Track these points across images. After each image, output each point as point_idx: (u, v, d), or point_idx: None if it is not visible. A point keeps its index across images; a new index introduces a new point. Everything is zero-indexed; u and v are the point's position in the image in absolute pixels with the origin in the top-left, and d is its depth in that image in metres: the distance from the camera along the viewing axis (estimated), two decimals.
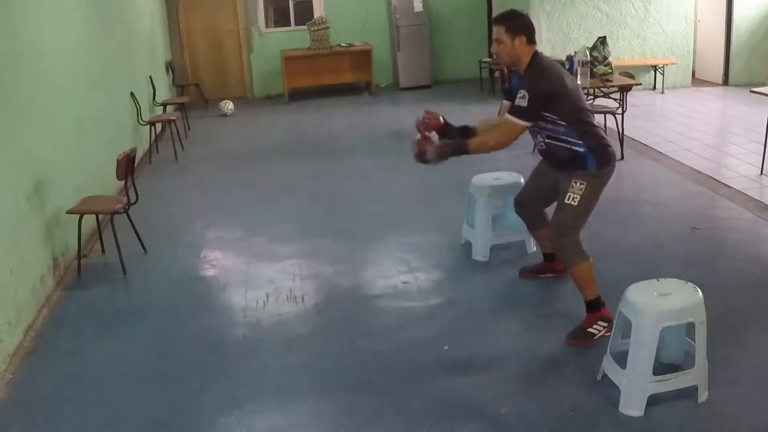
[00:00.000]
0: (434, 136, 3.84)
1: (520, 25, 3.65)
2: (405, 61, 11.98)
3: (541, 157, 4.06)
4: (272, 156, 8.30)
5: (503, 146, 3.70)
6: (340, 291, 4.62)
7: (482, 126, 3.95)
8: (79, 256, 5.01)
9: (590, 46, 7.77)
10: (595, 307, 3.74)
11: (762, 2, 10.55)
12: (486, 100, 10.66)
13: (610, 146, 3.75)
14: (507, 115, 3.66)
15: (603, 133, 3.79)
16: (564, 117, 3.61)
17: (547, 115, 3.62)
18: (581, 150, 3.65)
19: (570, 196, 3.69)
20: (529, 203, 4.23)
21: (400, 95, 11.80)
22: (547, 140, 3.76)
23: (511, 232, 5.01)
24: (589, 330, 3.72)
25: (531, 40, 3.66)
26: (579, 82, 6.79)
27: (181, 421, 3.31)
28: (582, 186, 3.67)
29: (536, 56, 3.67)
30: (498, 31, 3.67)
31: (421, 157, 3.74)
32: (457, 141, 3.76)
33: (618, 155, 4.59)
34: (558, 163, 3.82)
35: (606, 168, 3.71)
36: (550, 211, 4.02)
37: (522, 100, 3.56)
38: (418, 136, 3.83)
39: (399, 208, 6.21)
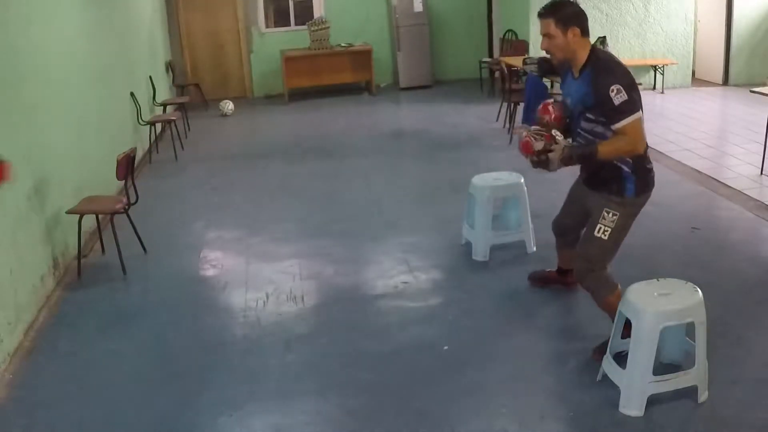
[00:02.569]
0: (558, 135, 3.37)
1: (570, 15, 3.29)
2: (405, 61, 11.97)
3: (576, 177, 3.76)
4: (272, 156, 8.30)
5: (638, 149, 3.28)
6: (340, 291, 4.62)
7: None
8: (79, 256, 5.01)
9: None
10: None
11: (762, 2, 10.55)
12: (486, 100, 10.66)
13: (653, 171, 3.44)
14: (619, 123, 3.19)
15: (649, 155, 3.47)
16: None
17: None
18: (625, 170, 3.35)
19: (600, 228, 3.40)
20: (567, 230, 3.99)
21: (400, 95, 11.80)
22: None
23: (511, 232, 5.02)
24: None
25: (585, 31, 3.31)
26: None
27: (181, 421, 3.31)
28: (614, 217, 3.38)
29: (596, 49, 3.35)
30: (546, 24, 3.31)
31: (538, 157, 3.32)
32: (586, 145, 3.34)
33: None
34: (595, 180, 3.52)
35: (643, 195, 3.43)
36: None
37: (619, 95, 3.15)
38: (531, 135, 3.36)
39: (399, 208, 6.20)
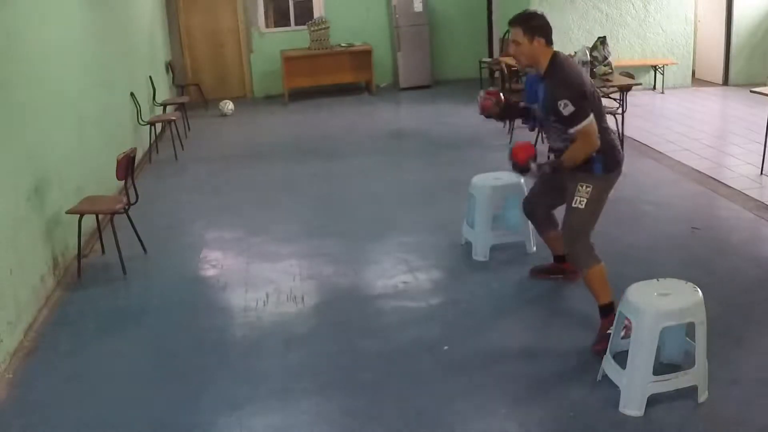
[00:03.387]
0: (533, 163, 3.86)
1: (537, 26, 3.64)
2: (405, 61, 11.97)
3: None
4: (272, 156, 8.30)
5: (595, 147, 3.61)
6: (340, 291, 4.62)
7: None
8: (79, 256, 5.01)
9: (590, 46, 7.77)
10: (609, 311, 3.63)
11: (762, 2, 10.54)
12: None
13: (619, 150, 3.78)
14: (573, 128, 3.57)
15: (614, 137, 3.79)
16: None
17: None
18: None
19: (577, 199, 3.70)
20: (537, 204, 4.25)
21: (400, 95, 11.80)
22: (560, 142, 3.77)
23: (511, 232, 5.02)
24: (609, 332, 3.48)
25: (549, 40, 3.66)
26: None
27: (181, 421, 3.31)
28: (588, 189, 3.68)
29: (555, 57, 3.66)
30: (515, 32, 3.66)
31: (520, 163, 3.83)
32: (554, 160, 3.80)
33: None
34: None
35: (613, 172, 3.75)
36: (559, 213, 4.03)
37: (567, 107, 3.50)
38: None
39: (399, 208, 6.20)
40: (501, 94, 4.10)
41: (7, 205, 4.17)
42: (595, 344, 3.64)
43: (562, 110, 3.52)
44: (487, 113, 4.11)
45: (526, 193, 4.43)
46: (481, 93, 4.17)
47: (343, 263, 5.03)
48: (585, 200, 3.69)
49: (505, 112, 4.12)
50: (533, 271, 4.59)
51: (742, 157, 7.03)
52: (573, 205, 3.73)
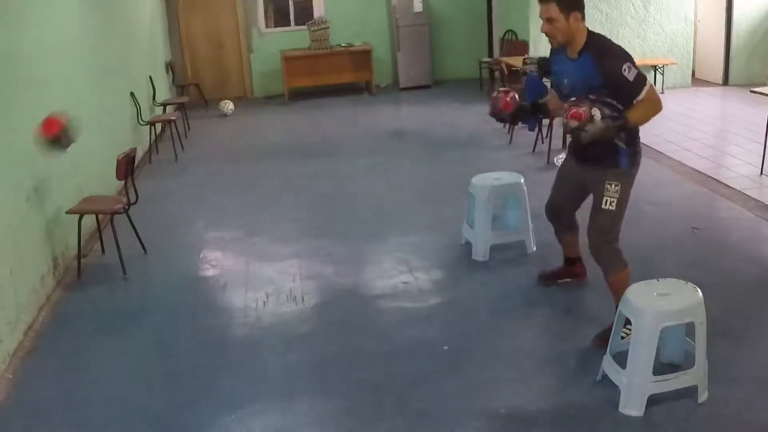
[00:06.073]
0: (596, 113, 3.49)
1: (571, 0, 3.43)
2: (405, 61, 11.97)
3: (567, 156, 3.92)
4: (272, 156, 8.30)
5: (660, 109, 3.46)
6: (340, 291, 4.62)
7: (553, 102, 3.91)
8: (79, 256, 5.01)
9: None
10: None
11: (762, 2, 10.54)
12: (486, 100, 10.64)
13: (640, 145, 3.67)
14: (641, 95, 3.38)
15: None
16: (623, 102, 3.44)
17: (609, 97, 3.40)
18: (620, 145, 3.52)
19: (607, 200, 3.58)
20: (561, 211, 4.08)
21: (400, 95, 11.80)
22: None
23: (511, 232, 5.02)
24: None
25: (584, 14, 3.48)
26: None
27: (182, 421, 3.31)
28: (617, 188, 3.56)
29: (593, 33, 3.51)
30: (548, 9, 3.44)
31: (576, 131, 3.43)
32: (617, 117, 3.40)
33: None
34: (589, 156, 3.63)
35: (636, 167, 3.64)
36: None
37: (632, 71, 3.36)
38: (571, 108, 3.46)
39: (399, 208, 6.21)
40: (515, 94, 3.90)
41: (7, 205, 4.17)
42: (600, 340, 3.58)
43: (627, 75, 3.34)
44: (501, 114, 3.91)
45: (541, 197, 4.23)
46: (498, 93, 3.96)
47: (343, 263, 5.03)
48: (615, 200, 3.56)
49: (517, 112, 3.92)
50: (541, 277, 4.47)
51: (742, 157, 7.03)
52: (603, 207, 3.59)
